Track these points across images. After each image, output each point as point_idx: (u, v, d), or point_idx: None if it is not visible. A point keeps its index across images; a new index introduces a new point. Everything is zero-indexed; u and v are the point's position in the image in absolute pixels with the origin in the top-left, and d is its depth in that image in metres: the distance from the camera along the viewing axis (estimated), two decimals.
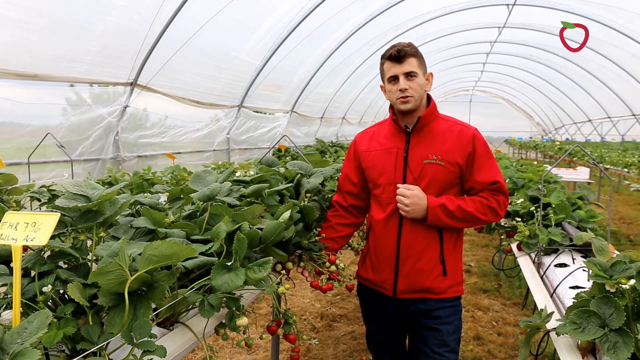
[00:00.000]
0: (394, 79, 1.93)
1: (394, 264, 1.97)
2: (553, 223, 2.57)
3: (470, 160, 1.92)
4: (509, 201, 2.09)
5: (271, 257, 1.40)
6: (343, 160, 4.21)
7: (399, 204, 1.91)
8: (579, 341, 1.46)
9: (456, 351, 1.98)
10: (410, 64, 1.90)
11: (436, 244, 1.93)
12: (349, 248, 2.59)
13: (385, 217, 1.97)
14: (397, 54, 1.90)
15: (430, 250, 1.93)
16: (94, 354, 1.05)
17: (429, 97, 2.02)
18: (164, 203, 1.81)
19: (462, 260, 2.06)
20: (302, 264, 1.93)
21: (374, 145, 2.05)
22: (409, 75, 1.90)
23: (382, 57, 1.97)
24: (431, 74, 1.99)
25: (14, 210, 1.96)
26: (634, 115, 15.10)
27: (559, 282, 2.05)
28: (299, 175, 2.24)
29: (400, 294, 1.97)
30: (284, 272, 1.78)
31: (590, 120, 19.22)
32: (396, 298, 1.99)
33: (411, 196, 1.88)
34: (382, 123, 2.12)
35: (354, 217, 2.16)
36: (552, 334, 1.56)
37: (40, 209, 2.28)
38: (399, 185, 1.92)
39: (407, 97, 1.91)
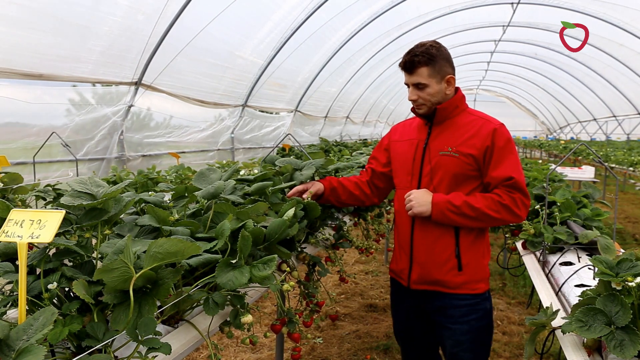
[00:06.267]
0: (408, 85, 1.93)
1: (409, 253, 1.97)
2: (558, 221, 2.56)
3: (488, 154, 1.86)
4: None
5: (276, 255, 1.40)
6: (347, 159, 4.21)
7: (406, 204, 1.91)
8: (585, 339, 1.45)
9: (473, 350, 1.94)
10: (420, 75, 1.86)
11: (449, 237, 1.89)
12: (353, 247, 2.58)
13: (402, 207, 1.98)
14: (404, 65, 1.88)
15: (442, 241, 1.90)
16: (99, 351, 1.05)
17: (456, 90, 1.97)
18: (168, 201, 1.81)
19: (486, 257, 1.98)
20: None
21: (404, 136, 2.09)
22: (418, 86, 1.88)
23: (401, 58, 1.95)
24: (452, 77, 1.91)
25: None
26: (639, 113, 15.01)
27: (565, 280, 2.04)
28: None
29: (414, 284, 1.97)
30: (288, 269, 1.78)
31: (595, 119, 19.11)
32: (410, 289, 1.99)
33: (416, 192, 1.89)
34: (416, 117, 2.12)
35: (372, 192, 2.21)
36: (558, 332, 1.56)
37: (45, 207, 2.29)
38: (408, 192, 1.93)
39: (418, 105, 1.92)
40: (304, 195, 1.99)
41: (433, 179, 1.91)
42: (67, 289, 1.21)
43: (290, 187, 2.10)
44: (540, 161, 5.36)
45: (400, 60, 1.91)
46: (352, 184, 2.20)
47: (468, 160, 1.86)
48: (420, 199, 1.86)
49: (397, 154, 2.07)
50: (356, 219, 2.84)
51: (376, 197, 2.25)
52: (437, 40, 1.94)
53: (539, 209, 2.72)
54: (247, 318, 1.39)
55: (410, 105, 1.99)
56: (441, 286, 1.92)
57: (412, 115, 2.08)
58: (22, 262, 1.04)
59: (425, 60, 1.84)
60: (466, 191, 1.89)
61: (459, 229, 1.89)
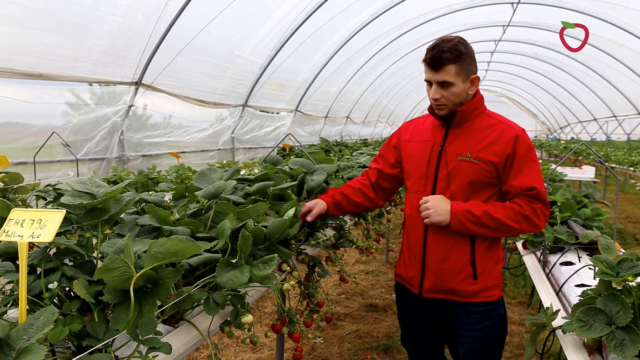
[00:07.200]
0: (430, 82, 1.81)
1: (421, 261, 1.89)
2: (559, 221, 2.56)
3: (509, 162, 1.77)
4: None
5: (276, 255, 1.40)
6: (347, 158, 4.22)
7: (422, 212, 1.81)
8: (585, 339, 1.45)
9: (486, 356, 1.89)
10: (446, 73, 1.74)
11: (465, 244, 1.81)
12: (354, 247, 2.58)
13: (414, 212, 1.89)
14: (431, 61, 1.75)
15: (458, 249, 1.82)
16: (100, 350, 1.05)
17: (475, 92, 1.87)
18: (168, 201, 1.81)
19: (500, 263, 1.91)
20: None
21: (416, 136, 1.98)
22: (443, 84, 1.76)
23: (425, 52, 1.82)
24: (477, 77, 1.81)
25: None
26: (639, 113, 15.02)
27: (565, 280, 2.04)
28: (303, 173, 2.25)
29: (426, 293, 1.90)
30: (288, 269, 1.78)
31: (595, 119, 19.12)
32: (422, 297, 1.92)
33: (433, 199, 1.80)
34: (429, 115, 2.01)
35: (376, 195, 2.11)
36: (558, 332, 1.56)
37: (45, 207, 2.29)
38: (424, 198, 1.84)
39: (440, 105, 1.81)
40: (308, 218, 1.94)
41: (450, 184, 1.82)
42: (67, 289, 1.21)
43: (291, 187, 2.09)
44: (540, 161, 5.36)
45: (426, 55, 1.78)
46: (356, 192, 2.10)
47: (488, 167, 1.77)
48: (438, 208, 1.77)
49: (410, 156, 1.97)
50: (356, 219, 2.84)
51: (381, 199, 2.15)
52: (462, 37, 1.83)
53: None
54: (248, 318, 1.39)
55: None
56: (455, 295, 1.85)
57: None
58: (23, 261, 1.04)
59: (454, 57, 1.73)
60: (483, 198, 1.82)
61: (475, 237, 1.82)
